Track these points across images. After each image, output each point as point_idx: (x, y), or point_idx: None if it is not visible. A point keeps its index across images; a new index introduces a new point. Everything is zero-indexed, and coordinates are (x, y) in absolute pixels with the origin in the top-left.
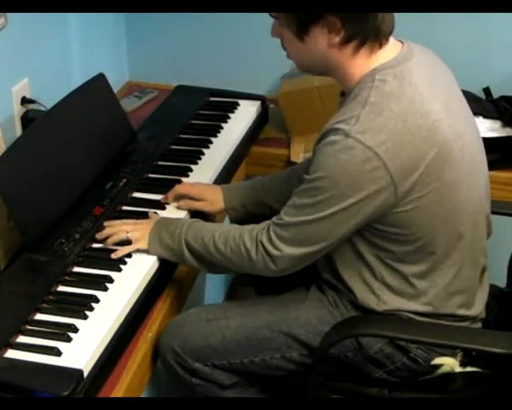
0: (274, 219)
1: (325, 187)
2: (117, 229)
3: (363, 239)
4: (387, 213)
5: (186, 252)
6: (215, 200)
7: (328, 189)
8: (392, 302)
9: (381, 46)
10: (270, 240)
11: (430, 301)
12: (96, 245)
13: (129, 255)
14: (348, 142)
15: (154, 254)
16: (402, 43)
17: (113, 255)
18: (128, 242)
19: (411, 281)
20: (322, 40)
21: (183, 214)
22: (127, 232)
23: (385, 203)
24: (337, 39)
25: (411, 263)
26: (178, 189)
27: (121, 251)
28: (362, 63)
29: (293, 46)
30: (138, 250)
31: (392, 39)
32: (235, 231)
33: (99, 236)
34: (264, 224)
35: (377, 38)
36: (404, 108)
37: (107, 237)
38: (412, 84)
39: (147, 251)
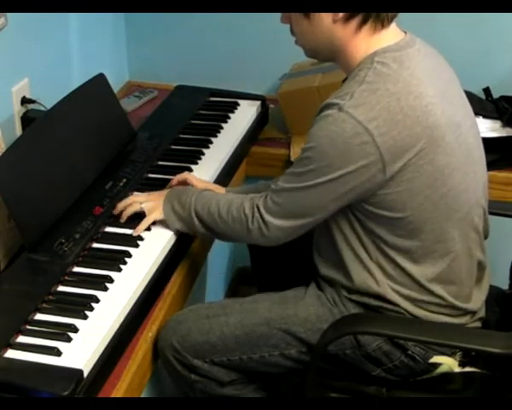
0: (272, 185)
1: (315, 157)
2: (131, 200)
3: (359, 223)
4: (377, 193)
5: (197, 222)
6: None
7: (317, 159)
8: (388, 287)
9: (383, 26)
10: (265, 205)
11: (426, 288)
12: (96, 245)
13: (129, 255)
14: (340, 115)
15: (170, 225)
16: (405, 33)
17: (134, 233)
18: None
19: (407, 270)
20: (326, 15)
21: None
22: (141, 204)
23: (372, 180)
24: (341, 14)
25: (404, 250)
26: (186, 177)
27: (140, 227)
28: (364, 43)
29: (300, 27)
30: (138, 251)
31: (395, 27)
32: (237, 199)
33: (114, 211)
34: (264, 192)
35: (379, 16)
36: (400, 88)
37: (121, 213)
38: (410, 68)
39: (146, 252)
